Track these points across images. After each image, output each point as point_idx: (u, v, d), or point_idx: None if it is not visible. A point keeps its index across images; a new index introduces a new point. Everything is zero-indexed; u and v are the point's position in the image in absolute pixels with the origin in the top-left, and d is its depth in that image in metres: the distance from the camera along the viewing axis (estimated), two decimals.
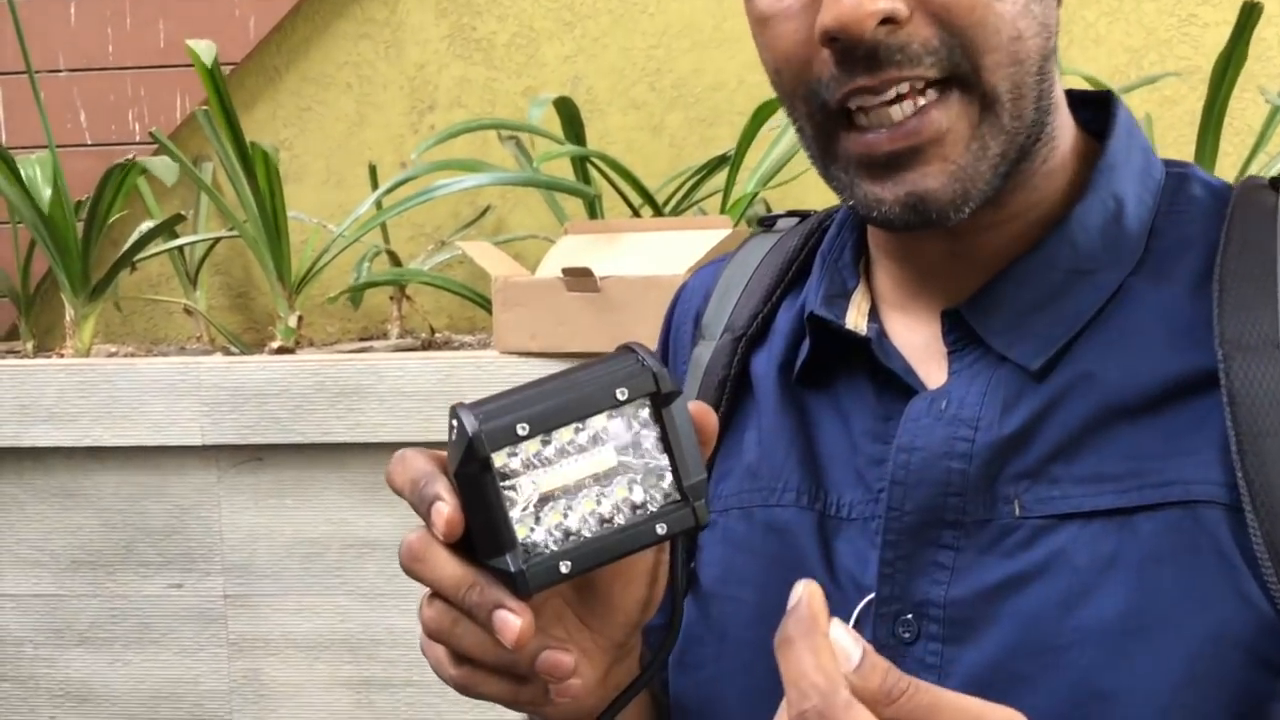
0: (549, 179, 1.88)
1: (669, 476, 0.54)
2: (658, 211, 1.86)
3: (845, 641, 0.45)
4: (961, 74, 0.60)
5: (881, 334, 0.68)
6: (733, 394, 0.73)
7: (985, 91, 0.60)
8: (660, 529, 0.53)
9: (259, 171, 1.77)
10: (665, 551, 0.59)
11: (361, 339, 2.10)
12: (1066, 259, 0.64)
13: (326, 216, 2.08)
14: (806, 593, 0.46)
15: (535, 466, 0.53)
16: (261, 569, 1.64)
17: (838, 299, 0.70)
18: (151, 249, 1.89)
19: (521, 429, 0.52)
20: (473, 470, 0.52)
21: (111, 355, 1.94)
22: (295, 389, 1.60)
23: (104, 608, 1.67)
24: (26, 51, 1.88)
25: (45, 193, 1.73)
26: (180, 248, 2.00)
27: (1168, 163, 0.68)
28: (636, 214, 1.89)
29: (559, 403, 0.53)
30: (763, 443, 0.71)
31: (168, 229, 1.86)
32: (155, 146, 2.05)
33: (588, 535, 0.53)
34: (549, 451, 0.53)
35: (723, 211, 1.78)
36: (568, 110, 1.87)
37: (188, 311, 2.10)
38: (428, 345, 1.94)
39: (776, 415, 0.70)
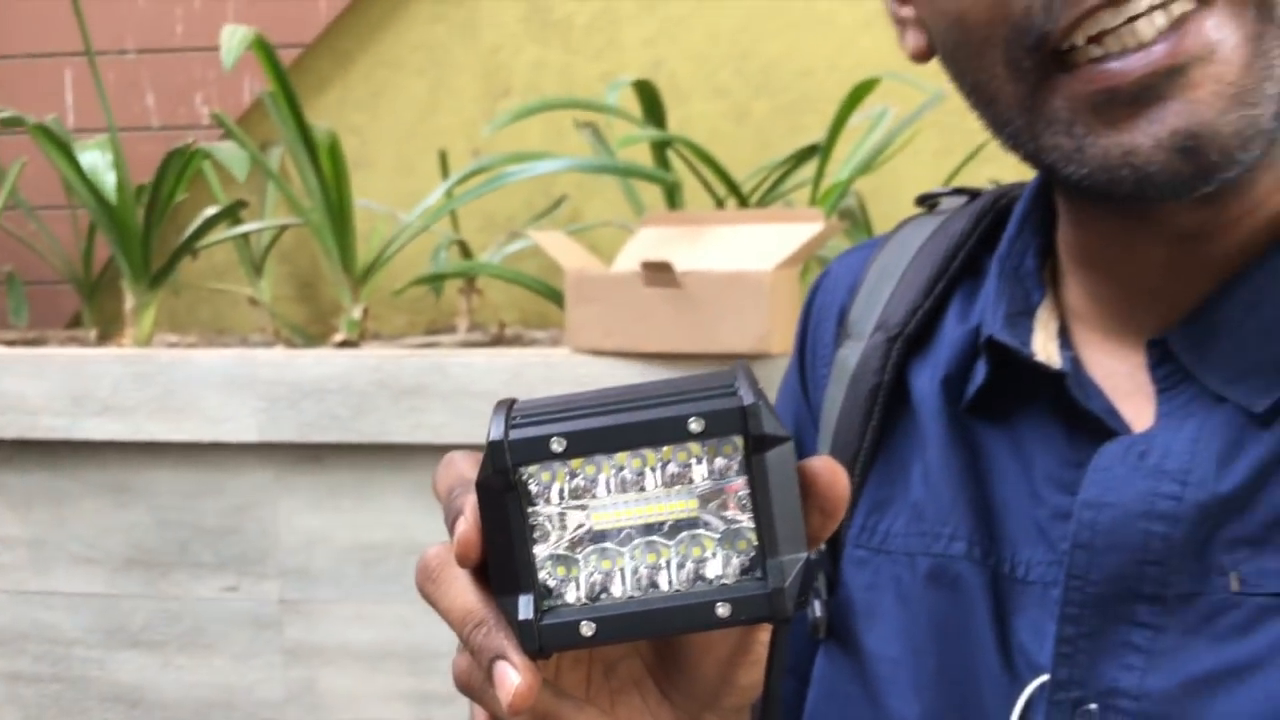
0: (627, 165, 1.78)
1: (753, 546, 0.42)
2: (743, 203, 1.76)
3: None
4: None
5: (1076, 365, 0.55)
6: (887, 406, 0.61)
7: None
8: (722, 611, 0.41)
9: (324, 158, 1.70)
10: (763, 629, 0.46)
11: (429, 333, 2.02)
12: None
13: (396, 204, 2.00)
14: None
15: (582, 496, 0.43)
16: (319, 574, 1.56)
17: (1020, 318, 0.57)
18: (214, 236, 1.82)
19: (558, 444, 0.42)
20: (494, 484, 0.42)
21: (173, 345, 1.88)
22: (356, 385, 1.52)
23: (157, 609, 1.60)
24: (87, 32, 1.82)
25: (108, 178, 1.66)
26: (246, 236, 1.94)
27: None
28: (720, 205, 1.78)
29: (617, 422, 0.42)
30: (929, 478, 0.59)
31: (231, 215, 1.79)
32: (222, 131, 1.99)
33: (625, 597, 0.42)
34: (606, 481, 0.43)
35: (812, 203, 1.67)
36: (648, 94, 1.77)
37: (252, 302, 2.03)
38: (497, 341, 1.86)
39: (943, 449, 0.58)
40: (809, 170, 1.75)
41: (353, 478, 1.55)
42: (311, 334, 1.97)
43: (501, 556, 0.43)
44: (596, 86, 2.02)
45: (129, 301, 1.79)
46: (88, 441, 1.57)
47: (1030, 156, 0.53)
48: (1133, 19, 0.47)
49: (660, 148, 1.79)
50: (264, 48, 1.67)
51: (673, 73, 2.00)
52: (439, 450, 1.54)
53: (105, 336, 1.97)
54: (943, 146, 1.83)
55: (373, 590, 1.55)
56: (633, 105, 1.80)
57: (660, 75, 1.97)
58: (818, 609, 0.61)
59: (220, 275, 2.13)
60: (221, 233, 1.84)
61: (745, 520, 0.42)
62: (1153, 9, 0.47)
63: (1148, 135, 0.48)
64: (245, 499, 1.57)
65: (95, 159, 1.74)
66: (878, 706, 0.57)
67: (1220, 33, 0.47)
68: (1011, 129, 0.52)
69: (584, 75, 2.04)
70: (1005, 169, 0.56)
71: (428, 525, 1.54)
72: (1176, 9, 0.47)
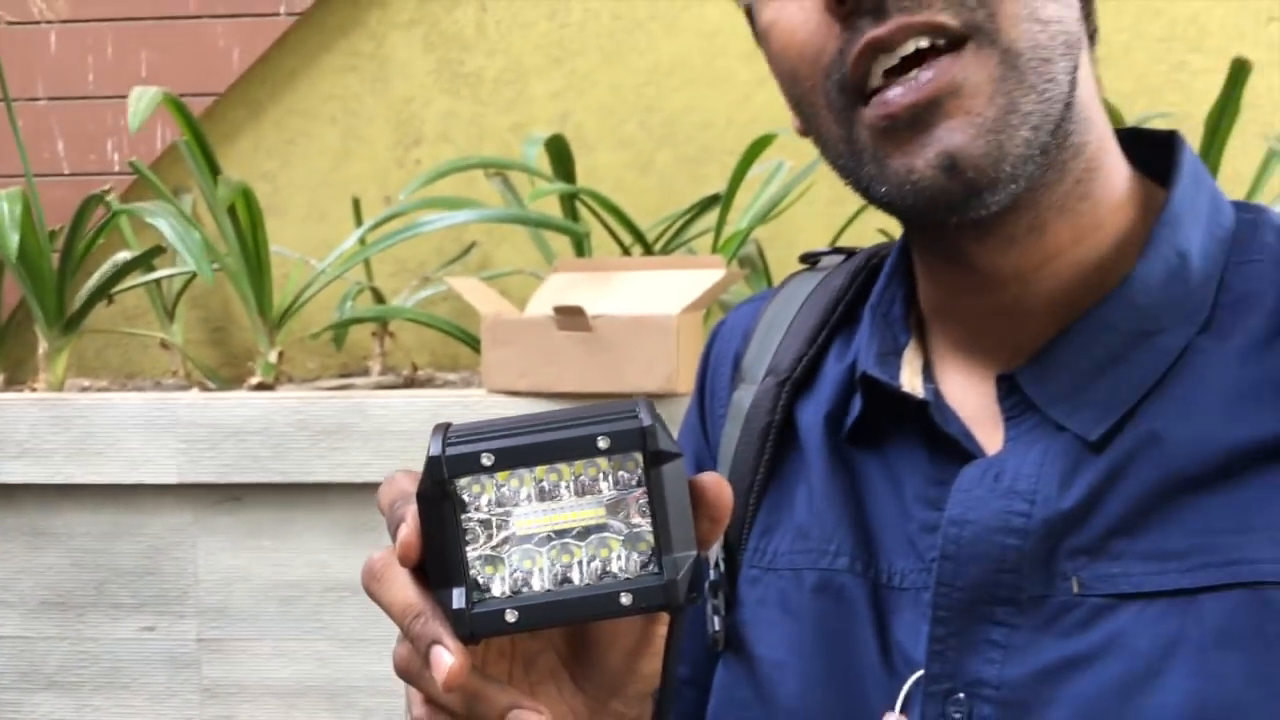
0: (538, 216, 1.85)
1: (651, 546, 0.50)
2: (648, 250, 1.84)
3: None
4: (976, 23, 0.56)
5: (938, 395, 0.65)
6: (777, 443, 0.70)
7: (1005, 47, 0.56)
8: (625, 600, 0.49)
9: (239, 206, 1.74)
10: (660, 622, 0.54)
11: (342, 375, 2.06)
12: (1127, 321, 0.60)
13: (309, 251, 2.05)
14: None
15: (506, 504, 0.50)
16: (238, 612, 1.59)
17: (890, 356, 0.66)
18: (128, 281, 1.85)
19: (486, 459, 0.49)
20: (432, 494, 0.50)
21: (85, 389, 1.89)
22: (276, 427, 1.56)
23: (73, 651, 1.61)
24: (4, 79, 1.84)
25: (13, 237, 1.66)
26: (158, 280, 1.96)
27: (1239, 206, 0.64)
28: (626, 253, 1.86)
29: (536, 440, 0.50)
30: (813, 502, 0.67)
31: (145, 261, 1.82)
32: (134, 177, 2.01)
33: (543, 590, 0.50)
34: (527, 492, 0.50)
35: (714, 251, 1.76)
36: (558, 148, 1.85)
37: (164, 345, 2.06)
38: (410, 383, 1.91)
39: (826, 475, 0.67)
40: (710, 219, 1.84)
41: (272, 517, 1.59)
42: (224, 377, 2.00)
43: (437, 557, 0.50)
44: (506, 137, 2.10)
45: (42, 346, 1.80)
46: (3, 485, 1.58)
47: (856, 185, 0.61)
48: (904, 62, 0.57)
49: (569, 199, 1.87)
50: (175, 104, 1.70)
51: (579, 125, 2.09)
52: (359, 489, 1.59)
53: (13, 381, 1.97)
54: (835, 197, 1.94)
55: (291, 627, 1.59)
56: (541, 156, 1.88)
57: (567, 127, 2.05)
58: (716, 624, 0.69)
59: (131, 319, 2.15)
60: (136, 278, 1.86)
61: (645, 524, 0.50)
62: (920, 51, 0.56)
63: (921, 158, 0.57)
64: (164, 540, 1.60)
65: (6, 207, 1.75)
66: (770, 706, 0.65)
67: (967, 72, 0.56)
68: (842, 163, 0.61)
69: (494, 126, 2.11)
70: (892, 219, 0.65)
71: (346, 562, 1.58)
72: (933, 51, 0.56)
